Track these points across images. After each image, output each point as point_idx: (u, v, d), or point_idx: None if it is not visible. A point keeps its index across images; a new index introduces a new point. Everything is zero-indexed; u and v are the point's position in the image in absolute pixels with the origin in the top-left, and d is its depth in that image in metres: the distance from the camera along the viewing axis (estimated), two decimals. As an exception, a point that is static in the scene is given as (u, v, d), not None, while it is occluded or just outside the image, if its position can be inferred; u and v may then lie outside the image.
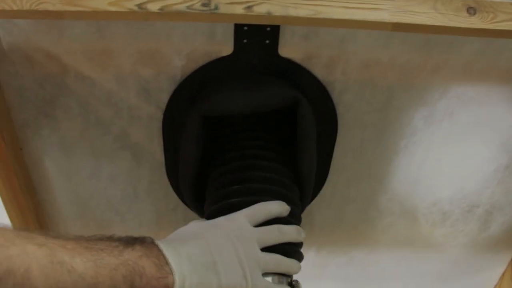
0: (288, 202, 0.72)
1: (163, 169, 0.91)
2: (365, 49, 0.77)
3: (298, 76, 0.79)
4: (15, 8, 0.60)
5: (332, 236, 1.06)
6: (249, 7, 0.62)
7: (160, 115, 0.84)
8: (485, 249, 1.11)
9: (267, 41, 0.76)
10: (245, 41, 0.75)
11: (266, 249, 0.64)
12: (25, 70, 0.79)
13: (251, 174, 0.74)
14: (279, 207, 0.67)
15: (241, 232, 0.62)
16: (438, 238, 1.08)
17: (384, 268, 1.14)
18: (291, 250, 0.69)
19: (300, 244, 0.72)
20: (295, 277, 0.70)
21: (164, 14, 0.62)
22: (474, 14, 0.66)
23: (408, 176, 0.96)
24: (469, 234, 1.07)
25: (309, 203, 0.94)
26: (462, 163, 0.95)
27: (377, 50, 0.78)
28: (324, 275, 1.14)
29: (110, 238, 0.53)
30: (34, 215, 0.96)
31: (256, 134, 0.81)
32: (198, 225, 0.67)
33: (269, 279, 0.63)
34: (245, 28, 0.74)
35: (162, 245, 0.55)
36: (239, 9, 0.62)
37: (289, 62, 0.78)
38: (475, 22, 0.65)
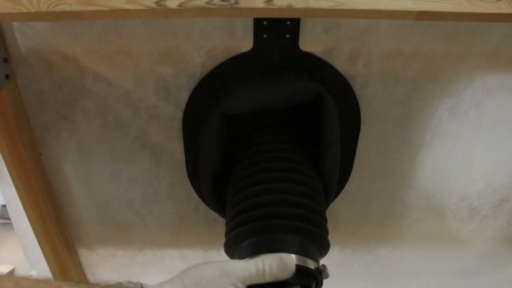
0: (312, 201, 0.70)
1: (184, 170, 0.90)
2: (387, 40, 0.75)
3: (319, 70, 0.77)
4: (32, 10, 0.60)
5: (357, 234, 1.04)
6: (269, 0, 0.61)
7: (180, 114, 0.83)
8: (515, 242, 1.09)
9: (288, 35, 0.74)
10: (265, 36, 0.74)
11: None
12: (43, 73, 0.78)
13: (275, 173, 0.72)
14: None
15: None
16: (466, 234, 1.05)
17: (410, 265, 1.12)
18: None
19: None
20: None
21: (183, 10, 0.61)
22: (501, -2, 0.63)
23: (434, 171, 0.93)
24: (498, 229, 1.04)
25: (334, 199, 0.92)
26: (490, 156, 0.92)
27: (400, 41, 0.76)
28: (348, 274, 1.12)
29: None
30: (55, 220, 0.95)
31: (279, 130, 0.79)
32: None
33: None
34: (265, 22, 0.73)
35: None
36: (259, 3, 0.61)
37: (310, 56, 0.76)
38: (503, 7, 0.63)
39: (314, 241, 0.67)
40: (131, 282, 0.50)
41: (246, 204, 0.70)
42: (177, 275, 0.55)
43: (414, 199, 0.98)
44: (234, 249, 0.69)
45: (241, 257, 0.66)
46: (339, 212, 0.99)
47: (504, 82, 0.82)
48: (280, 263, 0.57)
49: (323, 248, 0.70)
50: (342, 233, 1.03)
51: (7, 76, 0.76)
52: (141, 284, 0.51)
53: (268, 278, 0.56)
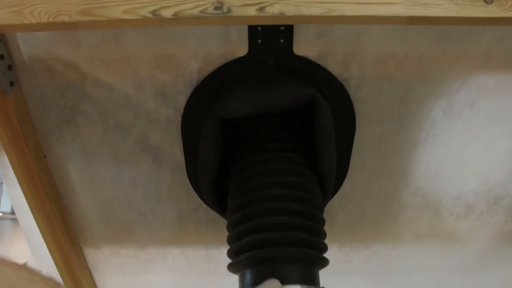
0: (312, 221, 0.71)
1: (184, 171, 0.92)
2: (380, 43, 0.77)
3: (314, 74, 0.79)
4: (34, 21, 0.62)
5: (355, 232, 1.05)
6: (261, 8, 0.62)
7: (178, 118, 0.85)
8: (512, 240, 1.09)
9: (282, 40, 0.76)
10: (259, 41, 0.76)
11: None
12: (46, 80, 0.81)
13: (273, 189, 0.73)
14: None
15: None
16: (463, 231, 1.06)
17: (408, 262, 1.13)
18: None
19: None
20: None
21: (178, 19, 0.62)
22: (491, 2, 0.64)
23: (430, 170, 0.95)
24: (495, 226, 1.05)
25: (331, 198, 0.94)
26: (485, 154, 0.93)
27: (393, 44, 0.77)
28: (347, 270, 1.14)
29: None
30: (60, 220, 0.98)
31: (275, 135, 0.81)
32: None
33: None
34: (259, 28, 0.74)
35: None
36: (251, 11, 0.62)
37: (304, 60, 0.78)
38: (493, 11, 0.64)
39: (316, 265, 0.69)
40: None
41: (245, 227, 0.71)
42: None
43: (410, 198, 0.99)
44: (237, 272, 0.71)
45: (244, 282, 0.68)
46: (337, 211, 1.01)
47: (498, 84, 0.83)
48: None
49: (323, 267, 0.72)
50: (340, 232, 1.05)
51: (11, 83, 0.79)
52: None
53: None
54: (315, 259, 0.68)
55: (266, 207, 0.71)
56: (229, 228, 0.76)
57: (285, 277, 0.64)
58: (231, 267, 0.72)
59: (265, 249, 0.67)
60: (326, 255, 0.73)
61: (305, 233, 0.69)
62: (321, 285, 0.67)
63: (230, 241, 0.74)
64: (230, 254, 0.73)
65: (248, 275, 0.67)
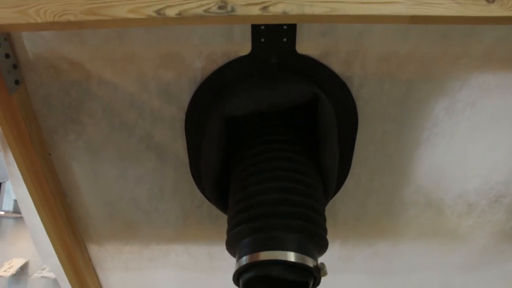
0: (311, 200, 0.72)
1: (188, 168, 0.93)
2: (383, 42, 0.77)
3: (316, 72, 0.79)
4: (39, 20, 0.63)
5: (356, 229, 1.06)
6: (265, 8, 0.63)
7: (182, 116, 0.85)
8: (514, 238, 1.10)
9: (285, 39, 0.76)
10: (262, 40, 0.76)
11: None
12: (51, 78, 0.82)
13: (274, 172, 0.75)
14: None
15: None
16: (464, 229, 1.07)
17: (410, 260, 1.14)
18: None
19: None
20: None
21: (182, 18, 0.63)
22: (493, 1, 0.64)
23: (432, 168, 0.95)
24: (497, 224, 1.06)
25: (333, 196, 0.94)
26: (487, 153, 0.94)
27: (395, 43, 0.78)
28: (349, 268, 1.15)
29: None
30: (65, 217, 0.99)
31: (278, 130, 0.82)
32: None
33: None
34: (262, 27, 0.75)
35: None
36: (255, 10, 0.63)
37: (307, 59, 0.79)
38: (495, 10, 0.64)
39: (313, 239, 0.70)
40: None
41: (246, 203, 0.73)
42: None
43: (412, 196, 1.00)
44: (235, 246, 0.72)
45: (241, 254, 0.69)
46: (339, 208, 1.01)
47: (499, 83, 0.83)
48: None
49: (322, 246, 0.72)
50: (342, 229, 1.05)
51: (16, 82, 0.80)
52: None
53: None
54: (312, 232, 0.69)
55: (265, 186, 0.72)
56: (229, 208, 0.78)
57: (280, 244, 0.66)
58: (229, 244, 0.74)
59: (263, 220, 0.69)
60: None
61: (304, 209, 0.70)
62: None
63: (229, 220, 0.76)
64: (229, 230, 0.74)
65: (244, 245, 0.68)
